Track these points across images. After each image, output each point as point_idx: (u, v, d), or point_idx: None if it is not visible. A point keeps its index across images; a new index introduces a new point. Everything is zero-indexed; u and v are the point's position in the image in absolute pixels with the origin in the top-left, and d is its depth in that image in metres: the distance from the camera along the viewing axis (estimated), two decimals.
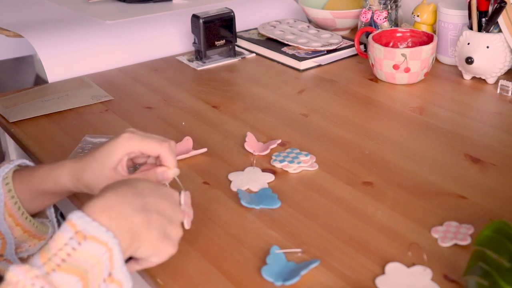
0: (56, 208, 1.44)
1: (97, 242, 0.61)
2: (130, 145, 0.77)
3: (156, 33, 1.46)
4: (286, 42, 1.41)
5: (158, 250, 0.69)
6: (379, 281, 0.73)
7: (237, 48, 1.44)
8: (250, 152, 1.00)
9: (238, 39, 1.45)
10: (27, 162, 0.84)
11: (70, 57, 1.34)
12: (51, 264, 0.58)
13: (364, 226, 0.82)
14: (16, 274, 0.56)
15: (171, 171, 0.79)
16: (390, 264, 0.75)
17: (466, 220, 0.82)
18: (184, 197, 0.77)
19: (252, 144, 1.02)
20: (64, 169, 0.79)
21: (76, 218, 0.62)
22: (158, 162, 0.80)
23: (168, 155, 0.78)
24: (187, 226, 0.76)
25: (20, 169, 0.82)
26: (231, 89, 1.27)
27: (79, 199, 0.90)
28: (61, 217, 1.70)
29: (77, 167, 0.78)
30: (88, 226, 0.61)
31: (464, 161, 0.97)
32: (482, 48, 1.20)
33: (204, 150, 1.01)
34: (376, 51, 1.23)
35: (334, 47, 1.38)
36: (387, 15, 1.39)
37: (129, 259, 0.71)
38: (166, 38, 1.46)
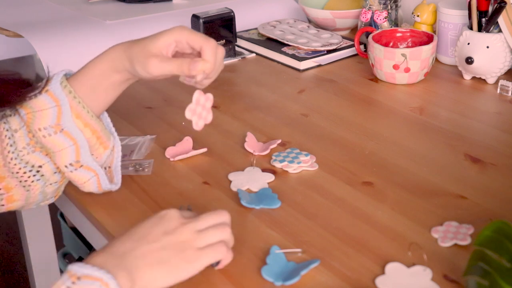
0: (56, 208, 1.44)
1: (91, 279, 0.64)
2: (180, 32, 0.83)
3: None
4: (286, 42, 1.41)
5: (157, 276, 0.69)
6: (379, 281, 0.73)
7: (237, 48, 1.44)
8: (250, 152, 1.00)
9: (238, 39, 1.45)
10: (73, 70, 0.88)
11: (70, 57, 1.34)
12: None
13: (364, 226, 0.82)
14: None
15: (201, 62, 0.81)
16: (390, 264, 0.75)
17: (466, 220, 0.82)
18: (199, 97, 0.79)
19: (252, 144, 1.02)
20: (115, 46, 0.85)
21: (71, 266, 0.66)
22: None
23: (209, 49, 0.82)
24: (195, 127, 0.77)
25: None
26: (231, 89, 1.27)
27: (79, 199, 0.90)
28: (61, 217, 1.70)
29: (128, 43, 0.84)
30: (81, 268, 0.65)
31: (464, 161, 0.97)
32: (482, 48, 1.20)
33: (204, 150, 1.01)
34: (376, 51, 1.23)
35: (334, 47, 1.38)
36: (387, 15, 1.39)
37: None
38: None
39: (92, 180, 0.86)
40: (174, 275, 0.69)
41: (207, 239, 0.72)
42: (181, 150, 1.01)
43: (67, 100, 0.82)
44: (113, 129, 0.90)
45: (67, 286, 0.63)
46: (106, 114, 0.90)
